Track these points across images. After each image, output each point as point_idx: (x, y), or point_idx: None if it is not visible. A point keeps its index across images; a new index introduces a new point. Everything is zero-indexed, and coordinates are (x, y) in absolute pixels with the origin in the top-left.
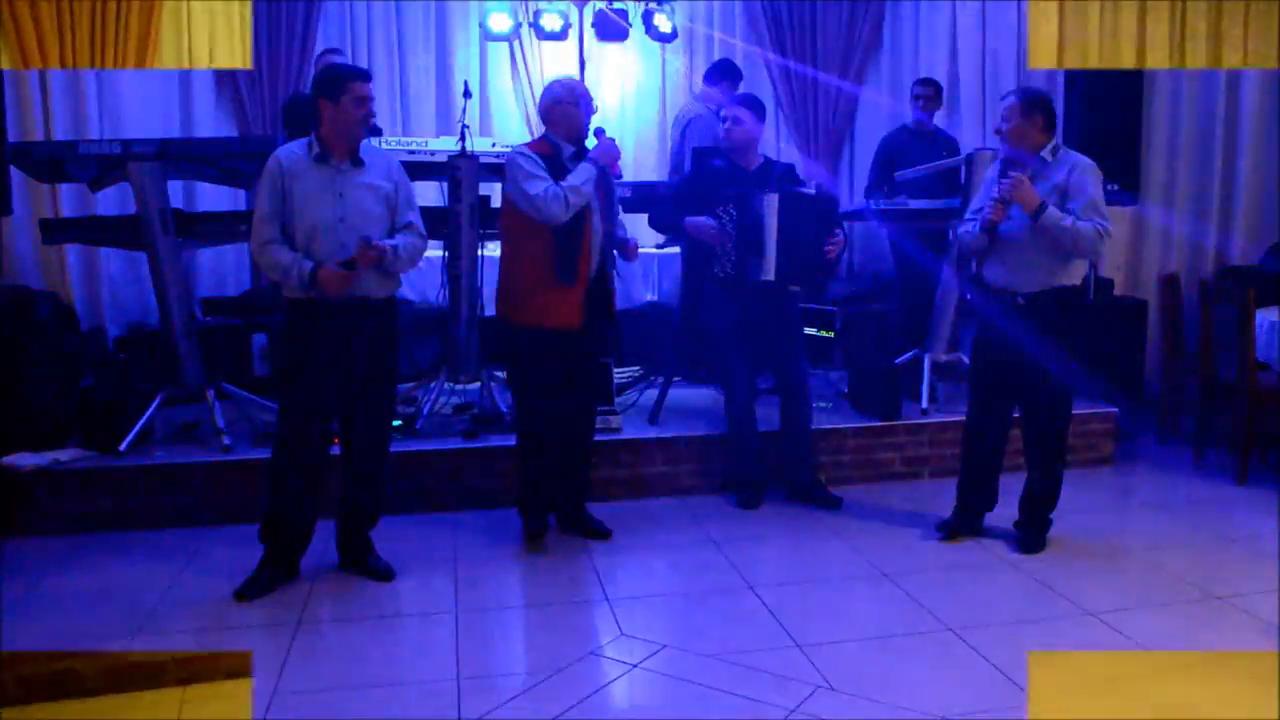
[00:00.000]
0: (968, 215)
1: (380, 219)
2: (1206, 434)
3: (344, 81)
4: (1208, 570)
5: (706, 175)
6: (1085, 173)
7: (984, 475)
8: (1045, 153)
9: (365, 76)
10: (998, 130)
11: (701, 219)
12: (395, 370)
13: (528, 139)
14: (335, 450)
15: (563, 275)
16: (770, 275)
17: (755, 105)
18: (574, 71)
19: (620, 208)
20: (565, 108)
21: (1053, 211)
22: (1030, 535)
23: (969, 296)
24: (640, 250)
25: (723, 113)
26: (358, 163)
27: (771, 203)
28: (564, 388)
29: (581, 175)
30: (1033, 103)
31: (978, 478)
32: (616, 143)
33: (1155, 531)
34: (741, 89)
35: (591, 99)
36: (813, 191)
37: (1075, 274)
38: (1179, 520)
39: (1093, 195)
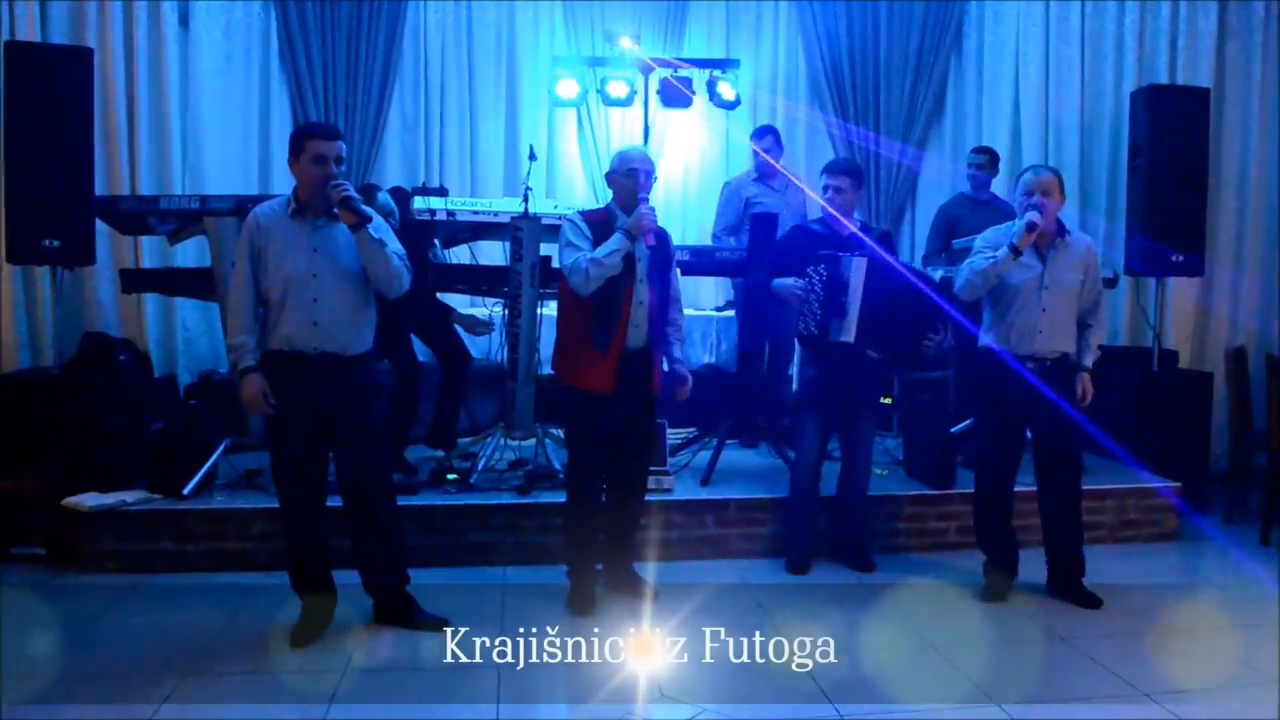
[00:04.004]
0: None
1: (356, 277)
2: (1275, 512)
3: (303, 139)
4: (1271, 653)
5: (800, 238)
6: (1098, 258)
7: (1008, 523)
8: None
9: (326, 134)
10: (1037, 204)
11: (789, 280)
12: (376, 428)
13: (591, 202)
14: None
15: (597, 341)
16: (849, 337)
17: (854, 172)
18: (638, 138)
19: (678, 287)
20: (618, 178)
21: (1087, 364)
22: (1084, 589)
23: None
24: (699, 313)
25: (827, 183)
26: (334, 218)
27: (860, 265)
28: (608, 450)
29: (608, 247)
30: (1062, 179)
31: (1004, 526)
32: (654, 213)
33: (1217, 612)
34: (801, 154)
35: (646, 169)
36: (935, 275)
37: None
38: (1243, 601)
39: (1101, 290)
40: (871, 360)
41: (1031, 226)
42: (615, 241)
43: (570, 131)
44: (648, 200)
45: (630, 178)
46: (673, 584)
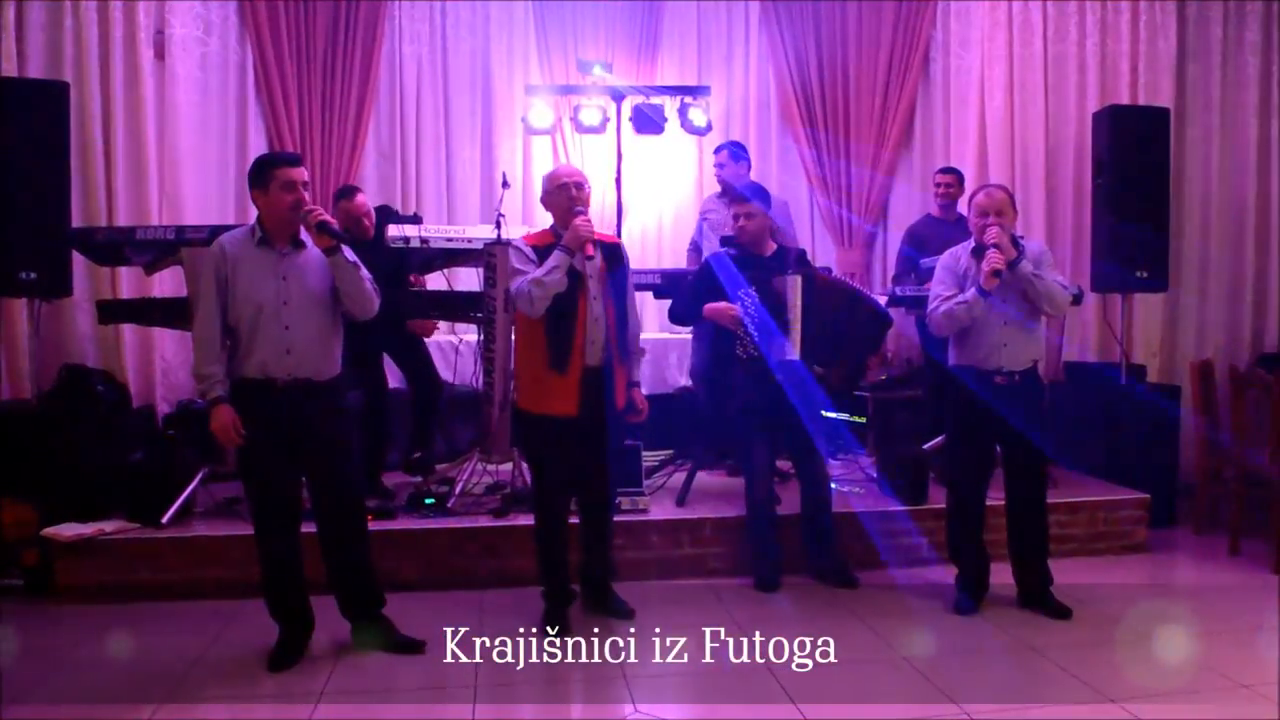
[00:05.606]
0: (934, 299)
1: (325, 302)
2: (1243, 522)
3: (269, 169)
4: (1237, 658)
5: (719, 265)
6: (1048, 257)
7: (979, 537)
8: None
9: (291, 161)
10: (991, 223)
11: (720, 304)
12: (347, 452)
13: None
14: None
15: (554, 363)
16: (795, 355)
17: (761, 195)
18: (611, 165)
19: (634, 299)
20: (550, 196)
21: (1026, 264)
22: (1054, 600)
23: (952, 379)
24: (674, 336)
25: (735, 211)
26: (299, 245)
27: (795, 282)
28: (574, 473)
29: (547, 265)
30: (1013, 196)
31: (975, 540)
32: (588, 224)
33: (1185, 619)
34: (774, 179)
35: (576, 179)
36: (870, 297)
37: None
38: (1210, 608)
39: (1055, 277)
40: (816, 376)
41: (997, 274)
42: (554, 259)
43: (545, 159)
44: (585, 212)
45: (561, 192)
46: (649, 603)
